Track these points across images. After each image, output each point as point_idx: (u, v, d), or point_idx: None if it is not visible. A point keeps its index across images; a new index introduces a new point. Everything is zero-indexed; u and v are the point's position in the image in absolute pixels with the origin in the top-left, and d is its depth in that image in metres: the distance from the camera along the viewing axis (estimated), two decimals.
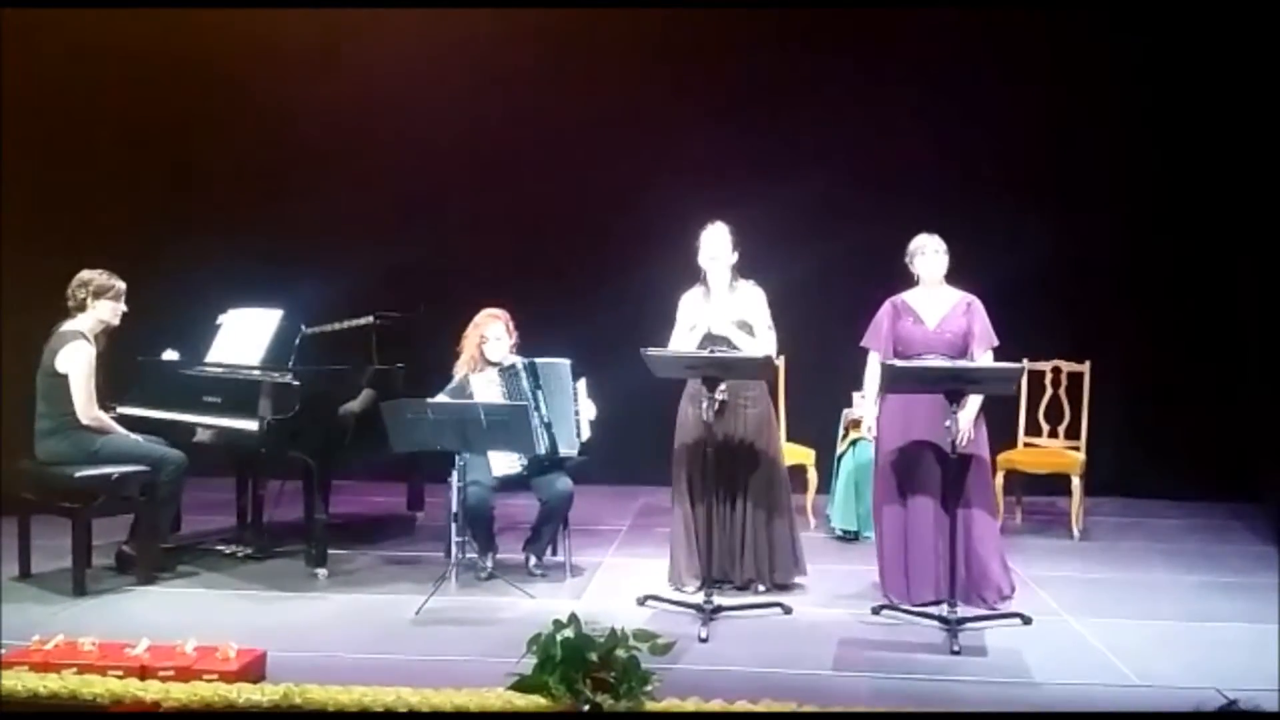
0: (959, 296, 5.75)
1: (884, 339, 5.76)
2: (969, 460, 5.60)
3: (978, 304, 5.74)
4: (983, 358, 5.64)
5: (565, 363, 6.13)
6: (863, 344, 5.86)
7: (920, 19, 8.05)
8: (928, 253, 5.71)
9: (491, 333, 6.14)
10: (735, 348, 5.77)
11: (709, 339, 5.78)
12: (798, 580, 5.97)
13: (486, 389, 6.08)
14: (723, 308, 5.88)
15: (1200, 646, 5.17)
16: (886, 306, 5.81)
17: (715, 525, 5.74)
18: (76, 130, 8.09)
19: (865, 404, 6.05)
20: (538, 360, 6.15)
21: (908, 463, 5.67)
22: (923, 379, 5.46)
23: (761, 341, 5.86)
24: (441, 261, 8.18)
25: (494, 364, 6.14)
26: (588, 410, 6.13)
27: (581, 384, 6.13)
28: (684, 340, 5.89)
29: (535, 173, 8.43)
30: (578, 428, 6.09)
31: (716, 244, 5.88)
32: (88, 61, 8.12)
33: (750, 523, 5.88)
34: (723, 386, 5.72)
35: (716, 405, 5.66)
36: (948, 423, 5.39)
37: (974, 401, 5.60)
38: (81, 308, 5.98)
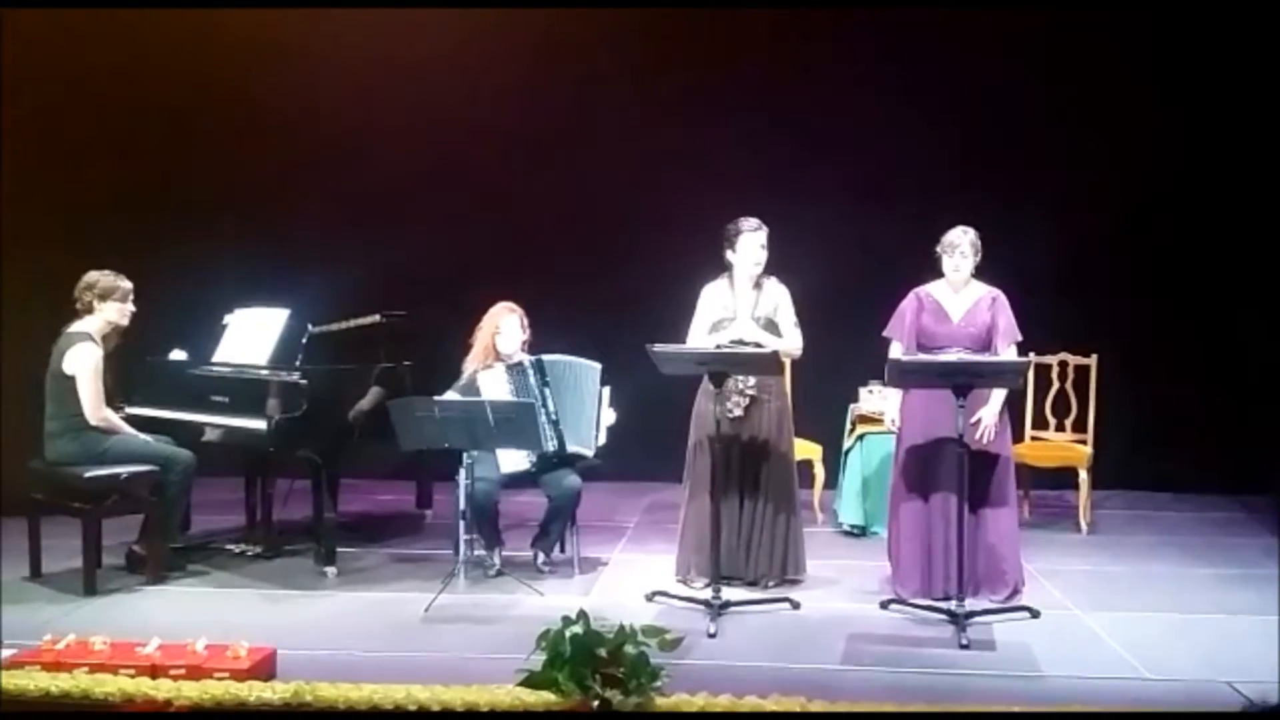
0: (984, 291, 5.73)
1: (907, 331, 5.74)
2: (991, 457, 5.61)
3: (1003, 299, 5.71)
4: (1006, 353, 5.63)
5: (596, 366, 6.16)
6: (885, 334, 5.83)
7: (928, 17, 8.04)
8: (961, 249, 5.66)
9: (505, 325, 6.16)
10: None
11: (739, 345, 5.74)
12: (800, 578, 5.98)
13: (494, 386, 6.09)
14: (748, 304, 5.89)
15: (1209, 639, 5.17)
16: (911, 298, 5.79)
17: (730, 521, 5.78)
18: (80, 130, 8.08)
19: (888, 395, 6.05)
20: (545, 357, 6.18)
21: (928, 458, 5.65)
22: (930, 373, 5.47)
23: (789, 340, 5.89)
24: (451, 260, 8.17)
25: (504, 359, 6.16)
26: (607, 417, 6.15)
27: (606, 391, 6.15)
28: (705, 335, 5.87)
29: (546, 170, 8.42)
30: (596, 430, 6.11)
31: (759, 248, 5.83)
32: (92, 60, 8.11)
33: (767, 519, 5.88)
34: (752, 382, 5.75)
35: (746, 401, 5.71)
36: (974, 419, 5.41)
37: (997, 397, 5.59)
38: (89, 310, 5.99)
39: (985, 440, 5.57)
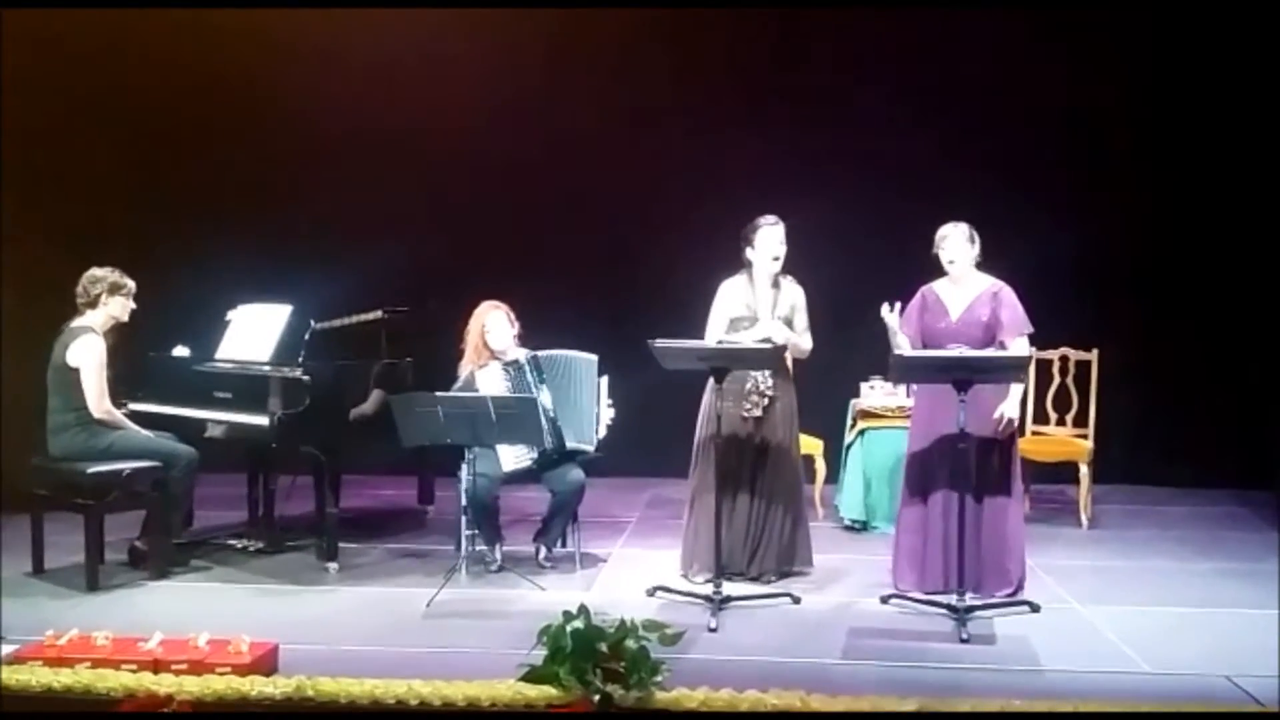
0: (986, 286, 5.70)
1: (913, 328, 5.75)
2: (998, 453, 5.60)
3: (1006, 291, 5.68)
4: (1015, 345, 5.59)
5: (592, 359, 6.17)
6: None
7: (936, 17, 8.05)
8: (949, 241, 5.66)
9: (492, 322, 6.17)
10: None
11: (767, 343, 5.75)
12: (808, 570, 6.01)
13: (492, 384, 6.09)
14: (768, 302, 5.90)
15: (1209, 634, 5.18)
16: (917, 297, 5.79)
17: (738, 518, 5.83)
18: (83, 127, 8.09)
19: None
20: (540, 353, 6.19)
21: (933, 454, 5.65)
22: (930, 368, 5.47)
23: (802, 340, 5.96)
24: (454, 256, 8.19)
25: (498, 356, 6.16)
26: (606, 410, 6.16)
27: (604, 381, 6.16)
28: (723, 332, 5.88)
29: (548, 167, 8.42)
30: (596, 424, 6.12)
31: (777, 243, 5.86)
32: (95, 58, 8.12)
33: (776, 516, 5.92)
34: (771, 382, 5.79)
35: (765, 402, 5.75)
36: (997, 413, 5.44)
37: (1015, 391, 5.57)
38: (93, 304, 6.01)
39: (1003, 434, 5.56)
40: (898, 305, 5.67)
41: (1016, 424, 5.65)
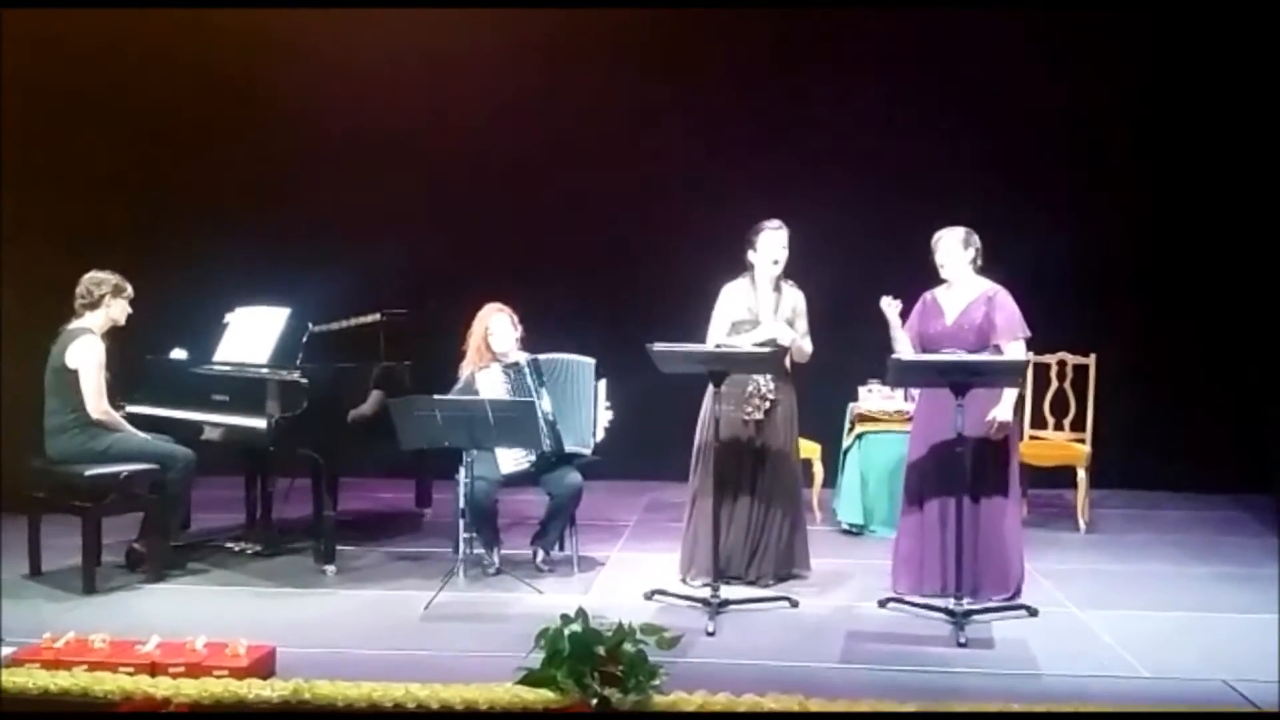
0: (982, 290, 5.69)
1: (913, 332, 5.75)
2: (996, 456, 5.59)
3: (1002, 295, 5.65)
4: (1010, 348, 5.58)
5: (590, 362, 6.17)
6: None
7: (936, 18, 8.05)
8: (941, 244, 5.67)
9: (495, 324, 6.17)
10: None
11: (772, 345, 5.76)
12: (805, 574, 6.01)
13: (492, 386, 6.09)
14: (770, 305, 5.91)
15: (1207, 638, 5.17)
16: (918, 302, 5.80)
17: (738, 522, 5.83)
18: (83, 127, 8.10)
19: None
20: (540, 356, 6.19)
21: (932, 458, 5.65)
22: (928, 371, 5.47)
23: (803, 344, 5.97)
24: (453, 258, 8.19)
25: (499, 358, 6.16)
26: (604, 413, 6.16)
27: (602, 384, 6.16)
28: (724, 335, 5.88)
29: (548, 167, 8.43)
30: (594, 427, 6.12)
31: (779, 247, 5.86)
32: (95, 58, 8.13)
33: (776, 520, 5.92)
34: (773, 386, 5.80)
35: (767, 405, 5.76)
36: (989, 417, 5.43)
37: (1009, 395, 5.56)
38: (94, 306, 6.01)
39: (996, 436, 5.55)
40: (898, 303, 5.67)
41: (1010, 427, 5.64)
